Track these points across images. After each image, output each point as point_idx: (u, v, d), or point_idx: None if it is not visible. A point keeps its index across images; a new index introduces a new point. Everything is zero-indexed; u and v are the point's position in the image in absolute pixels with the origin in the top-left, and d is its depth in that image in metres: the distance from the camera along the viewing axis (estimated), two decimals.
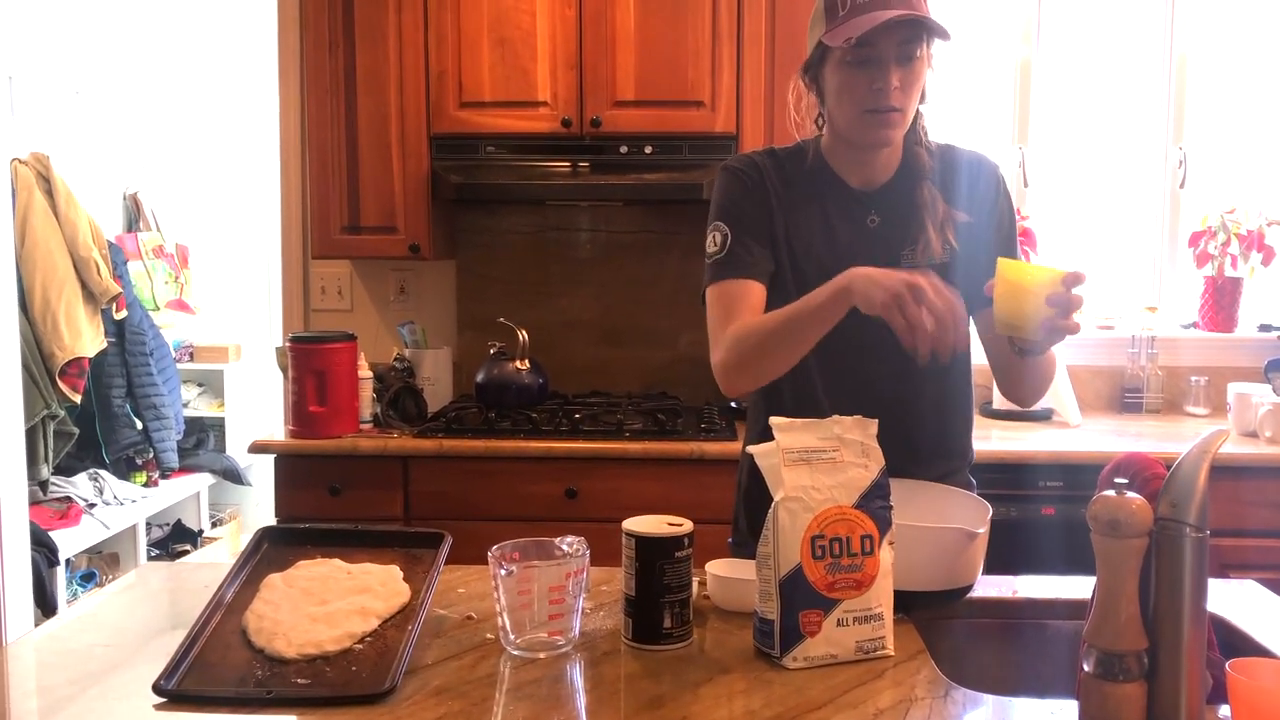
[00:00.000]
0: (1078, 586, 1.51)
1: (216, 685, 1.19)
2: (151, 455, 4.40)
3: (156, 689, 1.17)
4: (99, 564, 4.24)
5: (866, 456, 1.32)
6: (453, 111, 2.95)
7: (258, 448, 2.79)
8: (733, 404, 3.03)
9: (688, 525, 1.34)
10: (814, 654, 1.26)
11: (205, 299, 5.16)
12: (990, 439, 2.78)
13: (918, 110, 1.63)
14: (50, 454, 3.88)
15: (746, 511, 1.80)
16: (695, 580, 1.37)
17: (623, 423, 2.83)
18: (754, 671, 1.26)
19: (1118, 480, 1.11)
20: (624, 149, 2.93)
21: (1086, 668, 1.10)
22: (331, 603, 1.32)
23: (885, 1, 1.48)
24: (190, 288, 5.07)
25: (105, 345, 4.06)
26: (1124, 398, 3.27)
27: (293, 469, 2.76)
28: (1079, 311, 1.34)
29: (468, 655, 1.29)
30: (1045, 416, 3.06)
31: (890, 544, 1.32)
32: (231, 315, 5.19)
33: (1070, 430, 2.95)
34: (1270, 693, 1.02)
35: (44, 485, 3.94)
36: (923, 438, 1.67)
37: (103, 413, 4.22)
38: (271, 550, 1.46)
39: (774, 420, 1.32)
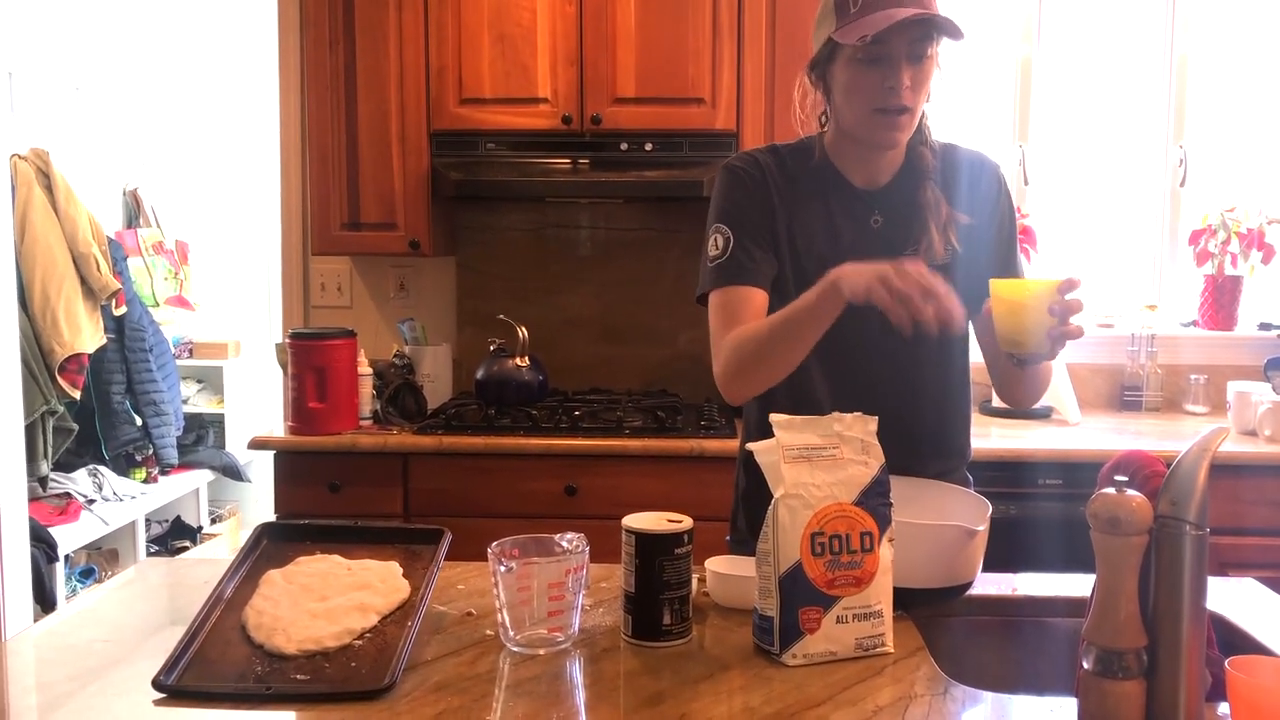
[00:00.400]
0: (1077, 584, 1.51)
1: (216, 681, 1.19)
2: (151, 451, 4.40)
3: (156, 684, 1.17)
4: (98, 560, 4.24)
5: (866, 454, 1.32)
6: (453, 108, 2.95)
7: (257, 444, 2.79)
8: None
9: (687, 522, 1.34)
10: (813, 651, 1.26)
11: (205, 295, 5.16)
12: (990, 437, 2.78)
13: (922, 110, 1.63)
14: (49, 450, 3.88)
15: (746, 509, 1.79)
16: (695, 577, 1.37)
17: (622, 420, 2.83)
18: (753, 668, 1.26)
19: (1118, 478, 1.11)
20: (624, 146, 2.93)
21: (1086, 665, 1.10)
22: (331, 599, 1.32)
23: (899, 0, 1.48)
24: (190, 284, 5.06)
25: (105, 341, 4.06)
26: (1123, 396, 3.27)
27: (292, 465, 2.76)
28: (1079, 315, 1.35)
29: (467, 651, 1.29)
30: (1045, 414, 3.06)
31: (890, 541, 1.32)
32: (231, 311, 5.19)
33: (1070, 428, 2.95)
34: (1269, 691, 1.02)
35: (43, 481, 3.94)
36: (922, 436, 1.67)
37: (102, 409, 4.22)
38: (271, 546, 1.46)
39: (774, 417, 1.32)
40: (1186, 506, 1.07)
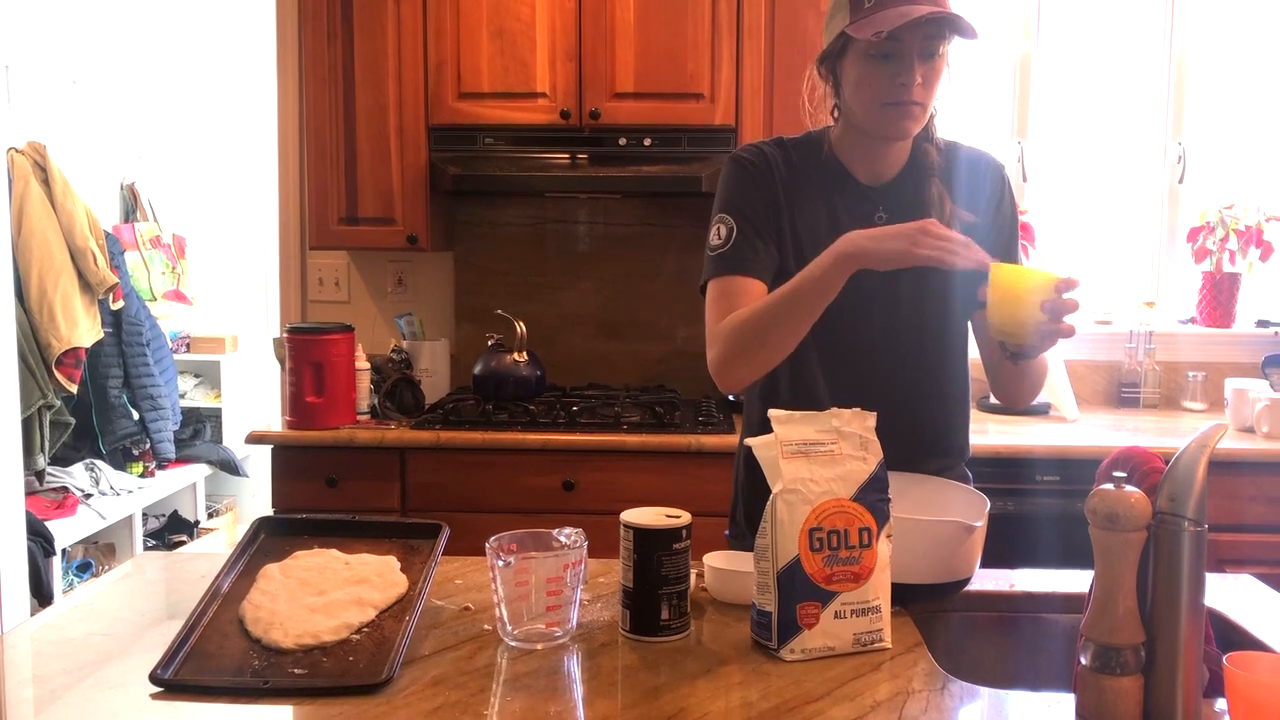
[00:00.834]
0: (1075, 580, 1.51)
1: (213, 675, 1.19)
2: (148, 446, 4.40)
3: (153, 678, 1.17)
4: (95, 554, 4.23)
5: (865, 449, 1.32)
6: (451, 102, 2.94)
7: (255, 439, 2.79)
8: (730, 397, 3.03)
9: (686, 517, 1.34)
10: (811, 646, 1.26)
11: (202, 290, 5.15)
12: (988, 433, 2.78)
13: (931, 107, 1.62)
14: (47, 444, 3.87)
15: (744, 504, 1.79)
16: (693, 572, 1.37)
17: (620, 415, 2.83)
18: (751, 663, 1.26)
19: (1116, 474, 1.11)
20: (623, 141, 2.93)
21: (1084, 661, 1.10)
22: (329, 593, 1.32)
23: None
24: (187, 278, 5.06)
25: (102, 335, 4.05)
26: (1121, 393, 3.27)
27: (290, 460, 2.76)
28: (1073, 315, 1.35)
29: (465, 646, 1.29)
30: (1042, 411, 3.06)
31: (888, 537, 1.32)
32: (228, 306, 5.18)
33: (1067, 425, 2.96)
34: (1267, 686, 1.02)
35: (40, 475, 3.93)
36: (922, 432, 1.67)
37: (99, 403, 4.22)
38: (269, 541, 1.46)
39: (772, 412, 1.32)
40: (1185, 503, 1.07)
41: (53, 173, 3.89)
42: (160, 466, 4.54)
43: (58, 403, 3.88)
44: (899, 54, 1.51)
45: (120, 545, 4.36)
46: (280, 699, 1.16)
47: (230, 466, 4.90)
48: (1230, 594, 1.50)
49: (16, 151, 3.83)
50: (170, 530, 4.70)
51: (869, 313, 1.55)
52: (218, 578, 1.36)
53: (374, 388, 2.88)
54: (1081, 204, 3.44)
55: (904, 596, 1.38)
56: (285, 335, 2.81)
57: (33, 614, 3.25)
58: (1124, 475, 1.11)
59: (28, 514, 3.42)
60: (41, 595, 3.53)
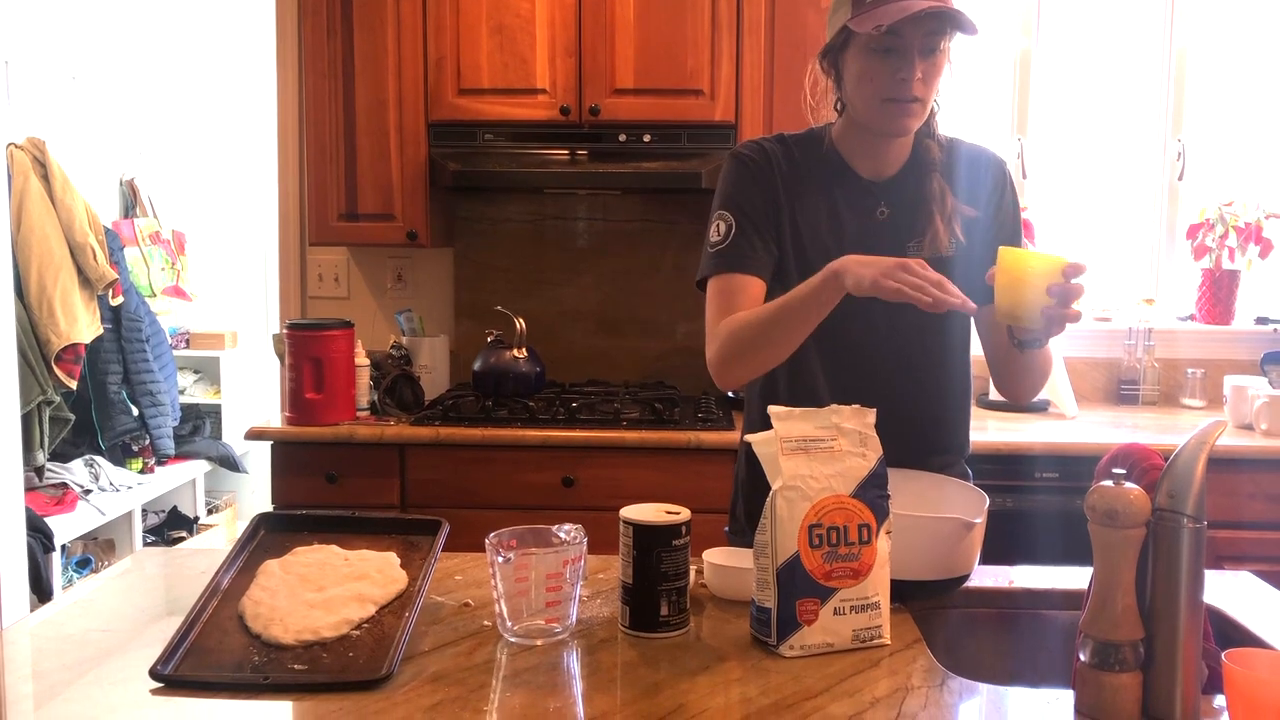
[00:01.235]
0: (1074, 577, 1.51)
1: (213, 671, 1.19)
2: (147, 442, 4.40)
3: (153, 674, 1.17)
4: (95, 550, 4.23)
5: (864, 446, 1.32)
6: (451, 98, 2.94)
7: (254, 434, 2.79)
8: (730, 394, 3.03)
9: (685, 513, 1.34)
10: (810, 642, 1.26)
11: (202, 286, 5.14)
12: (987, 430, 2.78)
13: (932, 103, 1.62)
14: (46, 440, 3.87)
15: (744, 500, 1.80)
16: (692, 569, 1.37)
17: (620, 412, 2.83)
18: (751, 659, 1.26)
19: (1115, 470, 1.11)
20: (622, 137, 2.92)
21: (1083, 657, 1.10)
22: (329, 589, 1.32)
23: None
24: (187, 274, 5.05)
25: (101, 331, 4.05)
26: (1120, 390, 3.27)
27: (289, 456, 2.76)
28: (1079, 301, 1.35)
29: (465, 642, 1.29)
30: (1042, 408, 3.06)
31: (887, 533, 1.32)
32: (228, 302, 5.18)
33: (1066, 421, 2.96)
34: (1266, 683, 1.02)
35: (40, 471, 3.93)
36: (922, 429, 1.67)
37: (99, 399, 4.22)
38: (268, 537, 1.46)
39: (772, 409, 1.32)
40: (1184, 499, 1.07)
41: (52, 168, 3.89)
42: (160, 463, 4.54)
43: (57, 399, 3.87)
44: (900, 49, 1.52)
45: (120, 541, 4.36)
46: (280, 695, 1.16)
47: (230, 463, 4.90)
48: (1229, 591, 1.50)
49: (16, 147, 3.82)
50: (170, 526, 4.70)
51: (869, 310, 1.55)
52: (217, 574, 1.36)
53: (374, 384, 2.88)
54: (1081, 201, 3.44)
55: (903, 593, 1.39)
56: (285, 331, 2.81)
57: (32, 610, 3.25)
58: (1123, 472, 1.11)
59: (27, 510, 3.42)
60: (41, 591, 3.53)
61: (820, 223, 1.65)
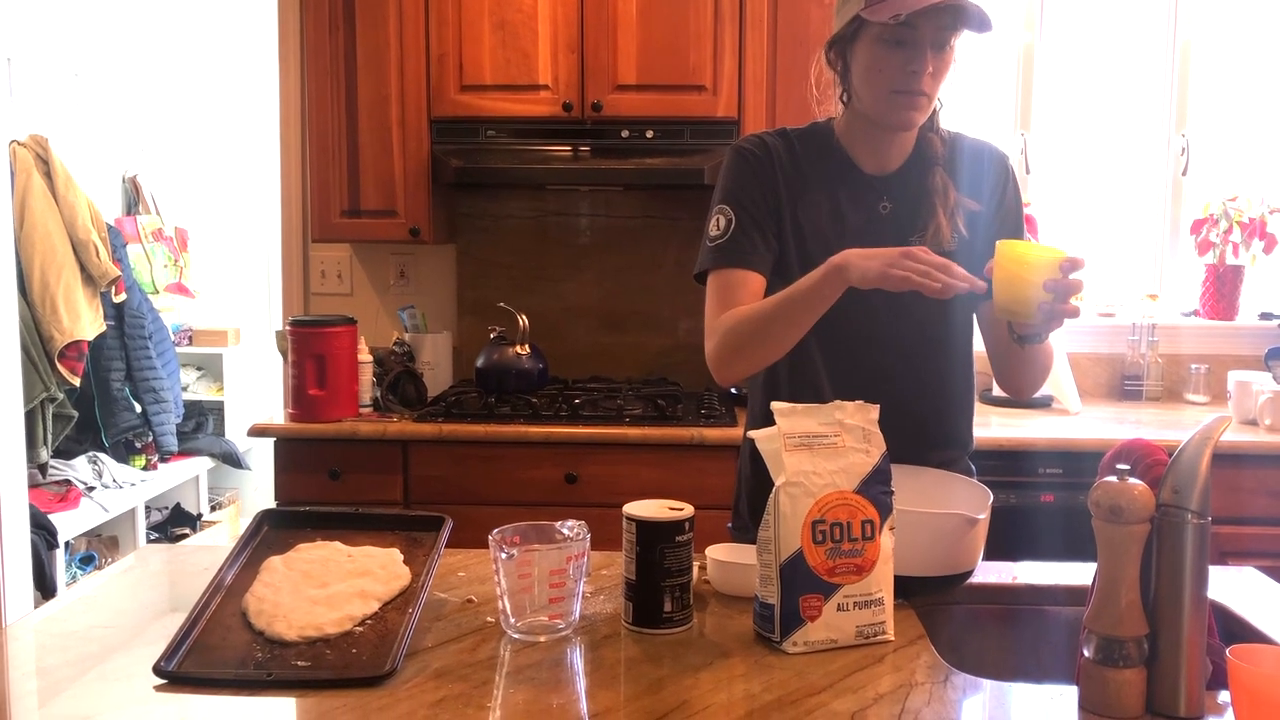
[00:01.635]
0: (1077, 573, 1.51)
1: (217, 667, 1.19)
2: (150, 439, 4.40)
3: (157, 670, 1.17)
4: (98, 547, 4.24)
5: (868, 442, 1.32)
6: (453, 95, 2.94)
7: (257, 431, 2.79)
8: (733, 390, 3.03)
9: (688, 510, 1.34)
10: (814, 639, 1.26)
11: (204, 282, 5.15)
12: (990, 426, 2.78)
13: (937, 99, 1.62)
14: (49, 437, 3.88)
15: (747, 496, 1.79)
16: (695, 565, 1.37)
17: (622, 408, 2.83)
18: (754, 656, 1.26)
19: (1119, 466, 1.11)
20: (625, 133, 2.92)
21: (1087, 653, 1.10)
22: (332, 586, 1.32)
23: None
24: (189, 271, 5.06)
25: (104, 328, 4.05)
26: (1124, 385, 3.27)
27: (292, 453, 2.76)
28: (1078, 297, 1.34)
29: (468, 638, 1.29)
30: (1045, 404, 3.06)
31: (891, 529, 1.32)
32: (231, 299, 5.18)
33: (1070, 417, 2.95)
34: (1270, 679, 1.02)
35: (43, 468, 3.94)
36: (925, 425, 1.67)
37: (102, 396, 4.22)
38: (271, 533, 1.46)
39: (775, 405, 1.32)
40: (1189, 495, 1.07)
41: (55, 165, 3.89)
42: (163, 459, 4.54)
43: (60, 395, 3.88)
44: (912, 41, 1.51)
45: (123, 538, 4.37)
46: (283, 691, 1.16)
47: (233, 459, 4.90)
48: (1233, 586, 1.49)
49: (18, 144, 3.83)
50: (173, 523, 4.71)
51: (871, 305, 1.54)
52: (221, 570, 1.36)
53: (376, 380, 2.88)
54: (1085, 196, 3.44)
55: (907, 589, 1.38)
56: (288, 328, 2.81)
57: (36, 606, 3.26)
58: (1127, 468, 1.10)
59: (31, 507, 3.42)
60: (45, 588, 3.54)
61: (822, 217, 1.65)
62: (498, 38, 2.91)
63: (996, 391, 3.07)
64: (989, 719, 1.14)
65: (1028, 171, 3.34)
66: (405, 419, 2.78)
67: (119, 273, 4.06)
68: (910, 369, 1.66)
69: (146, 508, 4.49)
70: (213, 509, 4.99)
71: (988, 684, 1.19)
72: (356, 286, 3.40)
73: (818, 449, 1.30)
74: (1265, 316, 3.32)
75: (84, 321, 3.89)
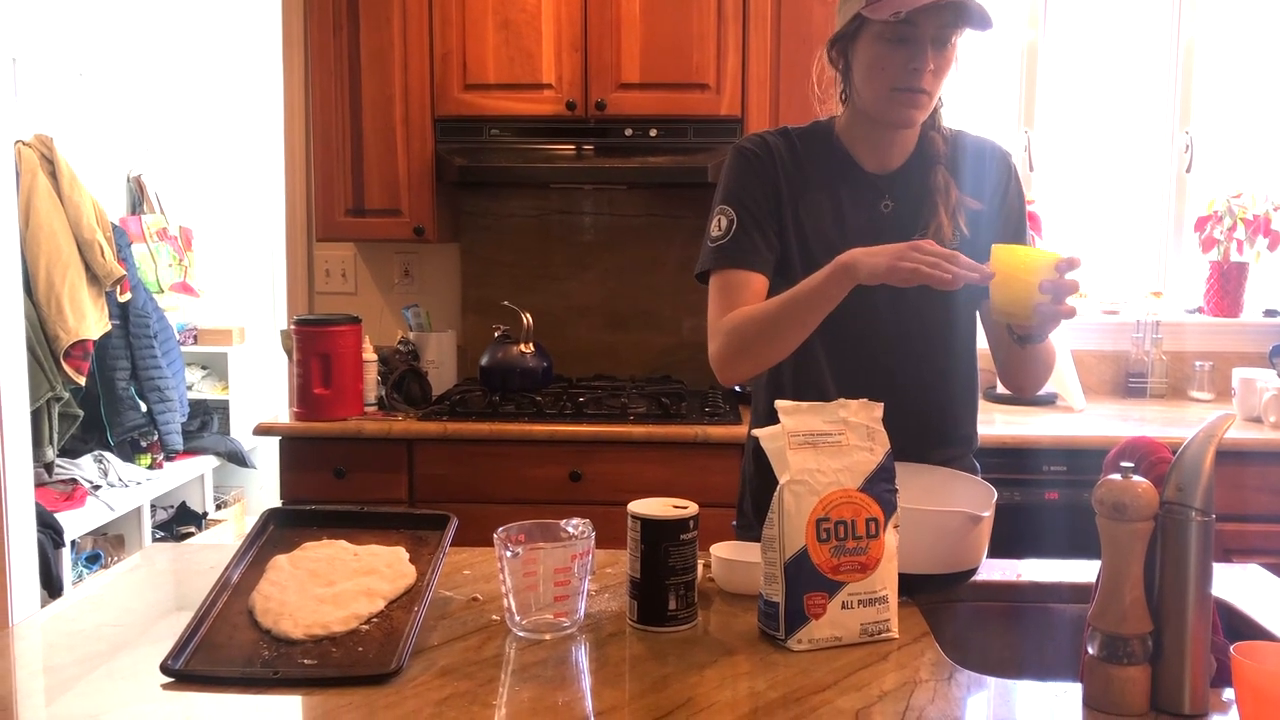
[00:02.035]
0: (1081, 570, 1.51)
1: (223, 666, 1.19)
2: (156, 438, 4.41)
3: (164, 669, 1.18)
4: (104, 545, 4.25)
5: (872, 440, 1.32)
6: (457, 94, 2.94)
7: (262, 430, 2.80)
8: (737, 388, 3.03)
9: (693, 508, 1.34)
10: (818, 636, 1.26)
11: (209, 282, 5.16)
12: (994, 423, 2.77)
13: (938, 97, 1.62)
14: (55, 436, 3.89)
15: (751, 494, 1.80)
16: (700, 563, 1.37)
17: (627, 406, 2.83)
18: (758, 653, 1.26)
19: (1123, 464, 1.11)
20: (629, 132, 2.92)
21: (1091, 651, 1.10)
22: (338, 584, 1.32)
23: None
24: (194, 270, 5.07)
25: (109, 328, 4.06)
26: (1128, 382, 3.27)
27: (297, 451, 2.77)
28: (1074, 297, 1.34)
29: (473, 636, 1.30)
30: (1049, 401, 3.06)
31: (895, 527, 1.32)
32: (235, 298, 5.19)
33: (1074, 415, 2.95)
34: (1275, 676, 1.02)
35: (49, 467, 3.95)
36: (929, 423, 1.67)
37: (107, 395, 4.23)
38: (277, 532, 1.46)
39: (779, 403, 1.32)
40: (1193, 492, 1.07)
41: (60, 165, 3.90)
42: (168, 458, 4.55)
43: (66, 395, 3.89)
44: (913, 39, 1.51)
45: (129, 537, 4.38)
46: (290, 689, 1.16)
47: (238, 458, 4.91)
48: (1237, 584, 1.49)
49: (24, 144, 3.83)
50: (178, 522, 4.72)
51: (874, 304, 1.55)
52: (227, 569, 1.37)
53: (381, 379, 2.88)
54: (1088, 193, 3.43)
55: (911, 587, 1.39)
56: (292, 327, 2.82)
57: (43, 605, 3.27)
58: (1131, 465, 1.11)
59: (37, 506, 3.43)
60: (51, 587, 3.55)
61: (824, 216, 1.65)
62: (501, 37, 2.91)
63: (1000, 389, 3.07)
64: (993, 716, 1.14)
65: (1031, 169, 3.34)
66: (410, 418, 2.78)
67: (124, 272, 4.07)
68: (914, 367, 1.66)
69: (152, 506, 4.50)
70: (218, 508, 5.01)
71: (992, 681, 1.19)
72: (361, 285, 3.40)
73: (822, 447, 1.30)
74: (1269, 313, 3.31)
75: (89, 321, 3.90)
